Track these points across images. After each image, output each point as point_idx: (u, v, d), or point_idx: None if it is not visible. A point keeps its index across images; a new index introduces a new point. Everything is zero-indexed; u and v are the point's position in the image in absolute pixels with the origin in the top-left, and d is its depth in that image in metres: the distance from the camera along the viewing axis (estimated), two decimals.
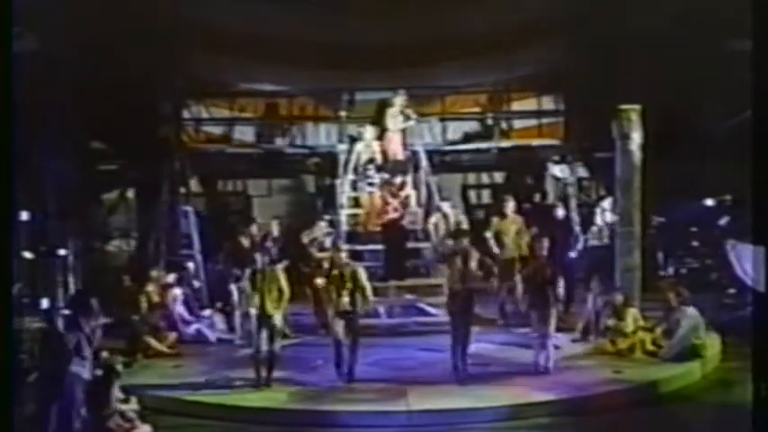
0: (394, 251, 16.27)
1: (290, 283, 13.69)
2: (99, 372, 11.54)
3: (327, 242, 16.14)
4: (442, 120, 21.18)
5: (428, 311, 16.28)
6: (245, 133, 21.33)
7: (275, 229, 16.48)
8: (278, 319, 13.25)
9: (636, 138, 15.91)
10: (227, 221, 20.09)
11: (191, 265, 17.38)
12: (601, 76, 17.64)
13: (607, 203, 18.56)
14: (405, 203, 16.66)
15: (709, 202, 17.79)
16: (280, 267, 13.80)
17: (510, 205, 16.73)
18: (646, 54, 16.32)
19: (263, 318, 13.17)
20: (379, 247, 16.44)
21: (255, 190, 21.90)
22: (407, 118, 17.51)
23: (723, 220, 17.75)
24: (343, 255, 13.94)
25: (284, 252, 15.78)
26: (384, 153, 17.35)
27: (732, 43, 15.21)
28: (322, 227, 16.40)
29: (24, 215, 14.52)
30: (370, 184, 16.87)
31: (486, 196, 22.55)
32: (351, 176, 17.29)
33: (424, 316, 16.35)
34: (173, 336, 15.45)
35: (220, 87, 20.22)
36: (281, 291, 13.33)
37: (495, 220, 16.89)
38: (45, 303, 14.28)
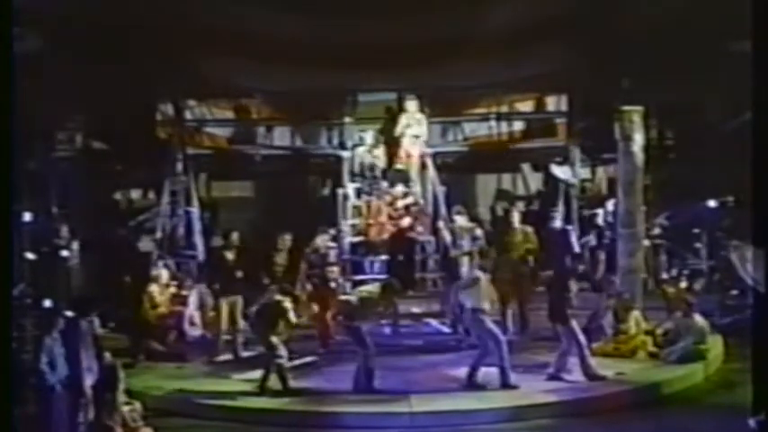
0: (400, 263, 15.94)
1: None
2: (103, 374, 11.52)
3: (331, 255, 15.83)
4: (445, 122, 21.13)
5: (440, 329, 15.99)
6: (248, 135, 21.31)
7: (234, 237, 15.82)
8: (281, 350, 13.23)
9: (638, 139, 15.91)
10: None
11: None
12: (605, 76, 17.62)
13: (610, 205, 18.52)
14: (409, 213, 16.40)
15: (712, 203, 17.75)
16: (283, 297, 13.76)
17: (516, 216, 16.63)
18: (648, 54, 16.28)
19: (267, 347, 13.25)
20: (384, 257, 16.17)
21: (257, 193, 21.91)
22: (419, 123, 17.34)
23: (726, 222, 17.72)
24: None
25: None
26: (391, 159, 17.20)
27: (733, 44, 15.21)
28: (325, 239, 16.10)
29: (27, 216, 14.52)
30: (372, 192, 16.70)
31: (496, 203, 22.54)
32: (355, 184, 17.08)
33: (435, 333, 15.96)
34: (174, 336, 15.44)
35: (222, 88, 20.19)
36: (286, 321, 13.39)
37: (502, 232, 16.83)
38: (48, 304, 14.25)
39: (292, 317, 13.40)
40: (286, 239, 16.50)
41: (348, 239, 16.32)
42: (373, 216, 16.33)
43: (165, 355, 15.00)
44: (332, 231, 16.07)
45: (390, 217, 16.15)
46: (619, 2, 16.58)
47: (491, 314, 13.53)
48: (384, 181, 16.78)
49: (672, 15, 16.00)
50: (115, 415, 11.16)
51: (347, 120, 19.42)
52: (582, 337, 13.53)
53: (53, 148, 16.59)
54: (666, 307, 15.47)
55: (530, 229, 16.45)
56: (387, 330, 15.47)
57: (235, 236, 15.60)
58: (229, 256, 15.38)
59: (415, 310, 16.12)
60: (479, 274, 13.67)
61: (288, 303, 13.45)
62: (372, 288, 13.80)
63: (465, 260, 15.68)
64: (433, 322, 16.02)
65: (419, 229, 16.27)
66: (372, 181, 16.87)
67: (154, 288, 15.59)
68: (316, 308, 15.38)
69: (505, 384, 12.99)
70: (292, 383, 13.17)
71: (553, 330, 13.89)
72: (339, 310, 14.41)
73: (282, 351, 13.10)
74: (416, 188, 16.91)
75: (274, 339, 13.10)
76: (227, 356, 14.92)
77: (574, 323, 13.51)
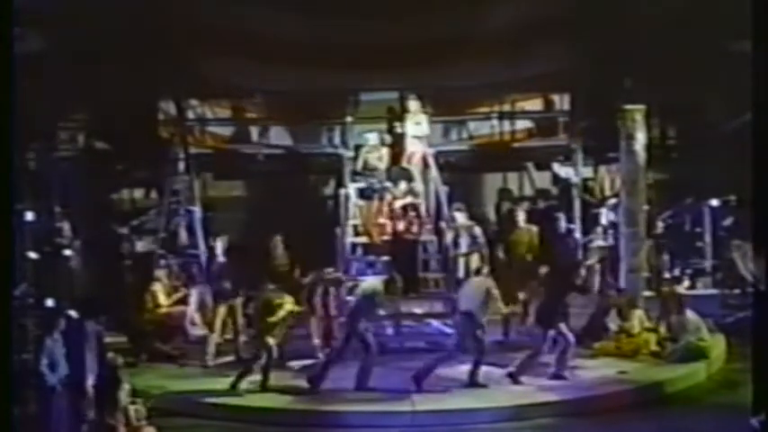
0: (401, 264, 15.55)
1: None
2: (105, 373, 11.54)
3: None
4: (447, 121, 21.06)
5: (443, 330, 15.80)
6: (249, 134, 21.27)
7: (219, 246, 15.66)
8: (273, 350, 13.24)
9: (640, 138, 15.91)
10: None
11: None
12: (607, 76, 17.61)
13: (612, 204, 18.51)
14: (408, 214, 16.27)
15: (714, 202, 17.76)
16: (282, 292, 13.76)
17: (521, 216, 16.57)
18: (650, 54, 16.28)
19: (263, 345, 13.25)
20: (385, 258, 15.91)
21: (259, 193, 21.85)
22: (420, 123, 17.28)
23: (728, 221, 17.74)
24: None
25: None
26: (395, 159, 17.14)
27: (733, 44, 15.22)
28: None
29: (29, 215, 14.54)
30: (374, 192, 16.65)
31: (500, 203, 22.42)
32: (357, 184, 17.03)
33: (438, 335, 15.73)
34: (176, 336, 15.45)
35: (223, 88, 20.14)
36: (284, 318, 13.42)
37: (507, 231, 16.79)
38: (50, 303, 14.27)
39: (290, 307, 13.43)
40: (276, 240, 16.61)
41: (349, 240, 16.27)
42: (375, 216, 16.27)
43: (167, 355, 15.02)
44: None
45: (391, 218, 16.08)
46: (620, 1, 16.58)
47: (490, 316, 13.52)
48: (387, 181, 16.70)
49: (672, 15, 16.00)
50: (117, 414, 11.19)
51: (349, 119, 19.33)
52: (571, 338, 13.51)
53: (55, 147, 16.64)
54: (663, 306, 15.44)
55: (534, 228, 16.42)
56: (389, 331, 15.45)
57: (224, 238, 15.59)
58: (221, 258, 15.32)
59: (417, 310, 16.06)
60: (483, 280, 13.62)
61: (288, 298, 13.48)
62: (375, 283, 13.81)
63: (464, 260, 15.66)
64: (435, 323, 15.97)
65: (414, 229, 16.14)
66: (375, 181, 16.80)
67: (157, 288, 15.60)
68: (318, 308, 15.34)
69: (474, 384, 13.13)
70: (294, 383, 13.21)
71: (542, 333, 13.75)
72: (342, 309, 14.43)
73: (274, 352, 13.12)
74: (419, 187, 16.85)
75: (270, 339, 13.12)
76: (228, 358, 14.89)
77: (563, 326, 13.47)
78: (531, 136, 21.38)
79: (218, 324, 14.91)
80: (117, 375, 11.49)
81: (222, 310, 14.95)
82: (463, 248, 15.86)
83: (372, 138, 17.31)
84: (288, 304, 13.45)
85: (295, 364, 14.22)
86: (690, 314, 14.52)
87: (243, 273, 15.27)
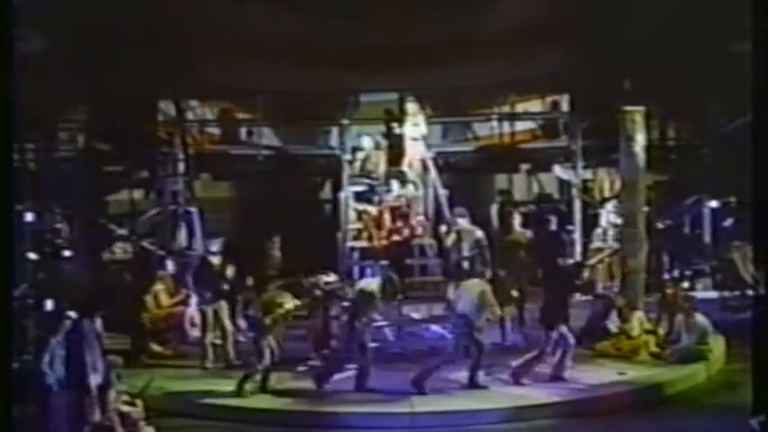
0: (397, 267, 15.48)
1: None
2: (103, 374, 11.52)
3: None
4: (446, 123, 21.07)
5: (443, 334, 15.67)
6: (248, 135, 21.29)
7: (214, 246, 15.38)
8: (267, 353, 13.18)
9: (640, 139, 15.90)
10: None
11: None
12: (607, 77, 17.63)
13: (612, 206, 18.53)
14: (403, 216, 16.18)
15: (714, 203, 17.77)
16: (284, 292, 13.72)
17: (518, 220, 16.54)
18: (650, 55, 16.31)
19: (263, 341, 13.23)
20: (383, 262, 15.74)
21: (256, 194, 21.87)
22: (418, 124, 17.24)
23: (728, 222, 17.75)
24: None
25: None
26: (394, 162, 17.10)
27: (733, 44, 15.25)
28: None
29: (29, 216, 14.54)
30: (373, 195, 16.60)
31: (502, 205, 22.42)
32: (354, 187, 17.01)
33: (438, 339, 15.64)
34: (176, 336, 15.45)
35: (222, 88, 20.18)
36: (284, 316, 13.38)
37: (501, 234, 16.78)
38: (49, 304, 14.28)
39: (291, 305, 13.41)
40: (274, 242, 16.56)
41: (349, 243, 16.24)
42: (372, 220, 16.25)
43: (166, 355, 15.01)
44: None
45: (392, 220, 16.06)
46: (620, 2, 16.60)
47: (486, 322, 13.48)
48: (383, 185, 16.67)
49: (672, 16, 16.02)
50: (110, 415, 11.18)
51: (346, 121, 19.34)
52: (572, 340, 13.48)
53: (55, 147, 16.67)
54: (666, 308, 15.44)
55: (529, 232, 16.41)
56: (390, 335, 15.43)
57: (218, 241, 15.54)
58: (214, 260, 15.20)
59: (415, 315, 15.99)
60: (479, 282, 13.58)
61: (287, 298, 13.46)
62: (372, 283, 13.79)
63: (466, 264, 15.63)
64: (435, 326, 15.93)
65: (405, 233, 16.09)
66: (373, 184, 16.77)
67: (159, 288, 15.60)
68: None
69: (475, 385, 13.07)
70: (294, 384, 13.20)
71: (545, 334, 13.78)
72: (340, 309, 14.42)
73: (275, 352, 13.11)
74: (419, 191, 16.79)
75: (269, 340, 13.10)
76: (219, 364, 14.81)
77: (564, 328, 13.44)
78: (531, 138, 21.40)
79: (209, 327, 14.81)
80: (112, 377, 11.48)
81: (210, 312, 14.83)
82: (465, 252, 15.81)
83: (367, 141, 17.27)
84: (288, 303, 13.44)
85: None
86: (700, 318, 14.49)
87: (237, 275, 15.22)
